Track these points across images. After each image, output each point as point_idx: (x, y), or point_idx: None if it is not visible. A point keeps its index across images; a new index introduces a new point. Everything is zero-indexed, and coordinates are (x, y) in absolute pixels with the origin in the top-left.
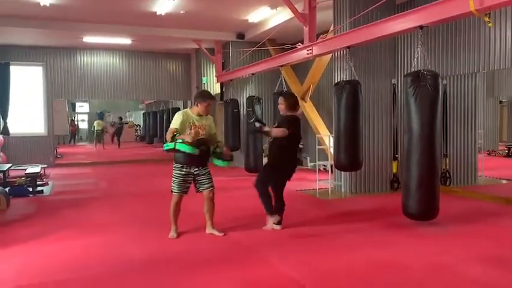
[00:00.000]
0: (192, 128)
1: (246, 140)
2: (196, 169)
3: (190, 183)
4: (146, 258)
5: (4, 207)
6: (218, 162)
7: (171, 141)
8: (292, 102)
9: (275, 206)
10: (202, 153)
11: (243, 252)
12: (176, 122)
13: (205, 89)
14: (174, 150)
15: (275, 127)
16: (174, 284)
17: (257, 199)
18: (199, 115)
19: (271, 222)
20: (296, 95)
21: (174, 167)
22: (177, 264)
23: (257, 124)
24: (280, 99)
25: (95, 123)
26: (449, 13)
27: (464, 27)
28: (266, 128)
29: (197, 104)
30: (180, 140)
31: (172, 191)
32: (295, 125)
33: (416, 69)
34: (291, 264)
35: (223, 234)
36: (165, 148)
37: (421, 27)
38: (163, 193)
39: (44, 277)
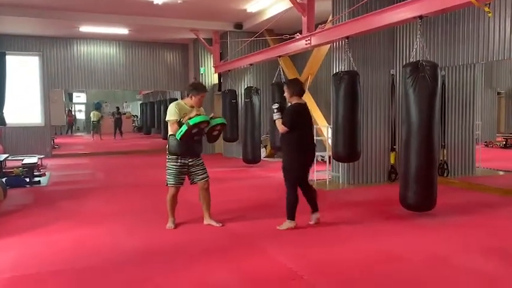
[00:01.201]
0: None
1: (243, 131)
2: (191, 160)
3: (185, 174)
4: (143, 249)
5: (1, 198)
6: (216, 121)
7: (179, 128)
8: (294, 90)
9: (308, 202)
10: (196, 143)
11: (240, 243)
12: (172, 113)
13: (203, 79)
14: (189, 130)
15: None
16: (171, 274)
17: (253, 190)
18: (192, 107)
19: (286, 224)
20: None
21: (169, 159)
22: (174, 255)
23: (275, 116)
24: (284, 88)
25: (91, 114)
26: (449, 3)
27: (464, 17)
28: (276, 116)
29: (191, 97)
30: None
31: (167, 184)
32: (293, 117)
33: (415, 60)
34: (289, 255)
35: (221, 225)
36: (179, 135)
37: (420, 17)
38: (161, 184)
39: (40, 268)
